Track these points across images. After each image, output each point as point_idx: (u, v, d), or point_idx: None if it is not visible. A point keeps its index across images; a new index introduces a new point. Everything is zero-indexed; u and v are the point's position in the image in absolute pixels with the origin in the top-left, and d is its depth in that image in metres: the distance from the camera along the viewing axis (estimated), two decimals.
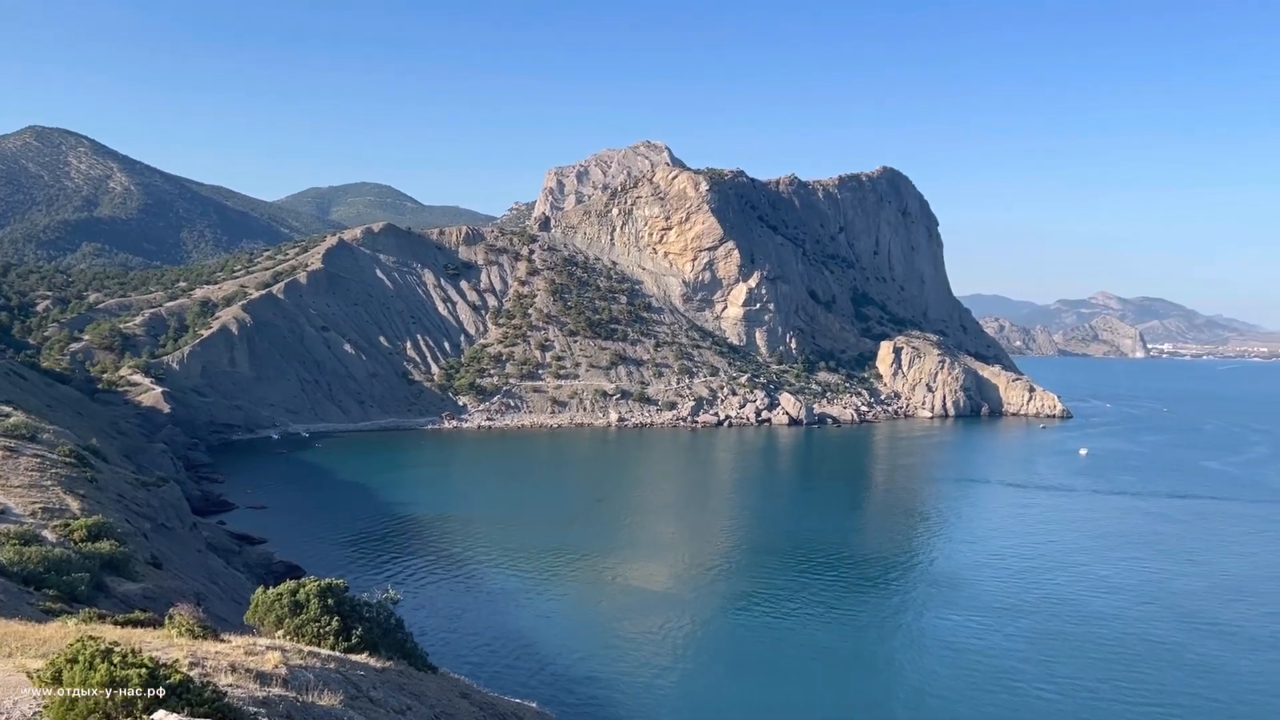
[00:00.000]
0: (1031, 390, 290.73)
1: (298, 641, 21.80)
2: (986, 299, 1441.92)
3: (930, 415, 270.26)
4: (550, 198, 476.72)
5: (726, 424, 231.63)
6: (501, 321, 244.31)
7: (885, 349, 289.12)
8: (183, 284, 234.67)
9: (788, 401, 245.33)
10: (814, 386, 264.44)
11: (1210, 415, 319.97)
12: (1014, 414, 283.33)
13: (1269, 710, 66.34)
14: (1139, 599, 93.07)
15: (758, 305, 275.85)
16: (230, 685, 14.29)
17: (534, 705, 28.19)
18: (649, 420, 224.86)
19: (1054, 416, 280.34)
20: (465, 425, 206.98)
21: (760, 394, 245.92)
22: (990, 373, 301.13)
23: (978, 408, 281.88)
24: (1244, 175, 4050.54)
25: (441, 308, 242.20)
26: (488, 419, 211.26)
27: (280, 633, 22.86)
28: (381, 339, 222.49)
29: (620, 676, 67.91)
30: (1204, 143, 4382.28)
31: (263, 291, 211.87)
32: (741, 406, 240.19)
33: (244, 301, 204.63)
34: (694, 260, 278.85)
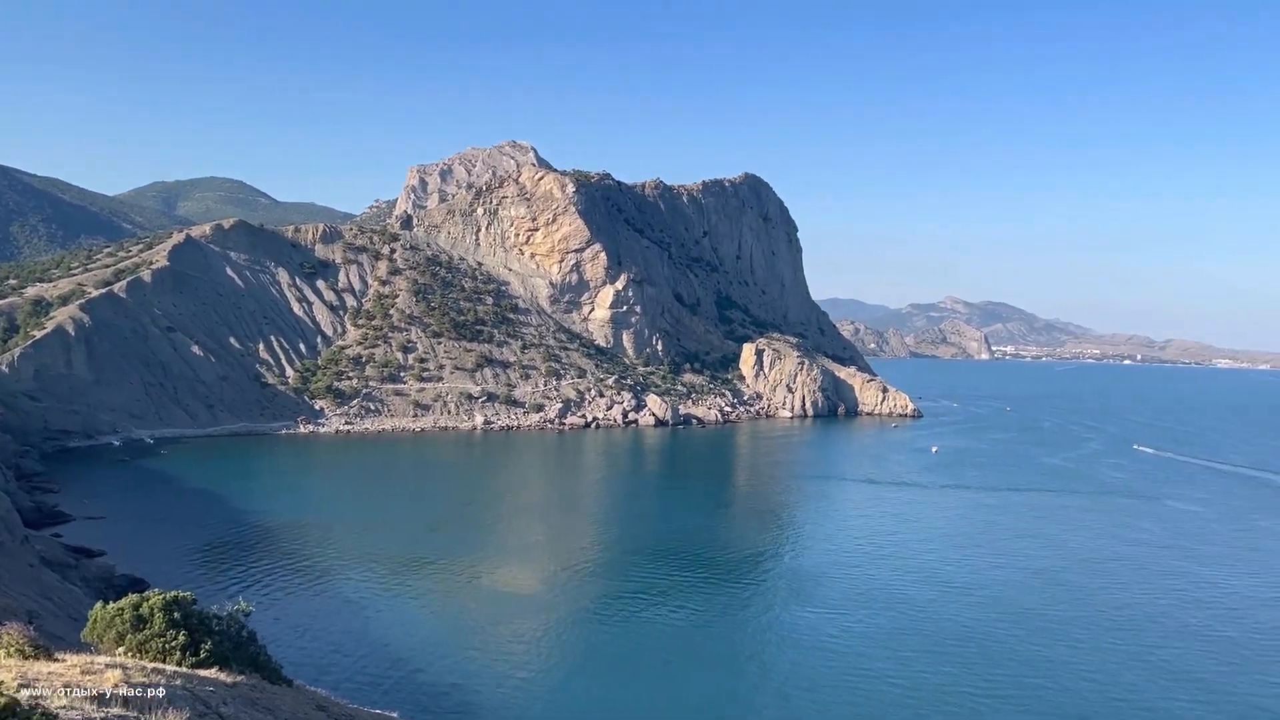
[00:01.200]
0: (885, 391, 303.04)
1: (141, 658, 20.73)
2: (843, 303, 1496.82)
3: (790, 415, 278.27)
4: (413, 196, 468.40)
5: (594, 426, 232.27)
6: (361, 322, 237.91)
7: (748, 351, 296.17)
8: (13, 281, 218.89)
9: (654, 403, 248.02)
10: (680, 388, 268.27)
11: (1048, 414, 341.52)
12: (869, 413, 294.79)
13: (1080, 694, 71.04)
14: (981, 590, 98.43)
15: (625, 307, 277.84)
16: (64, 708, 13.46)
17: (395, 716, 27.61)
18: (516, 423, 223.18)
19: (906, 416, 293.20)
20: (322, 430, 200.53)
21: (627, 395, 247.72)
22: (846, 374, 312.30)
23: (835, 408, 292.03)
24: (1081, 184, 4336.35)
25: (297, 308, 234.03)
26: (346, 423, 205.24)
27: (122, 650, 21.70)
28: (232, 340, 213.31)
29: (485, 682, 67.17)
30: (1043, 152, 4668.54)
31: (103, 290, 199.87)
32: (609, 408, 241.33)
33: (82, 301, 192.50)
34: (561, 262, 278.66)
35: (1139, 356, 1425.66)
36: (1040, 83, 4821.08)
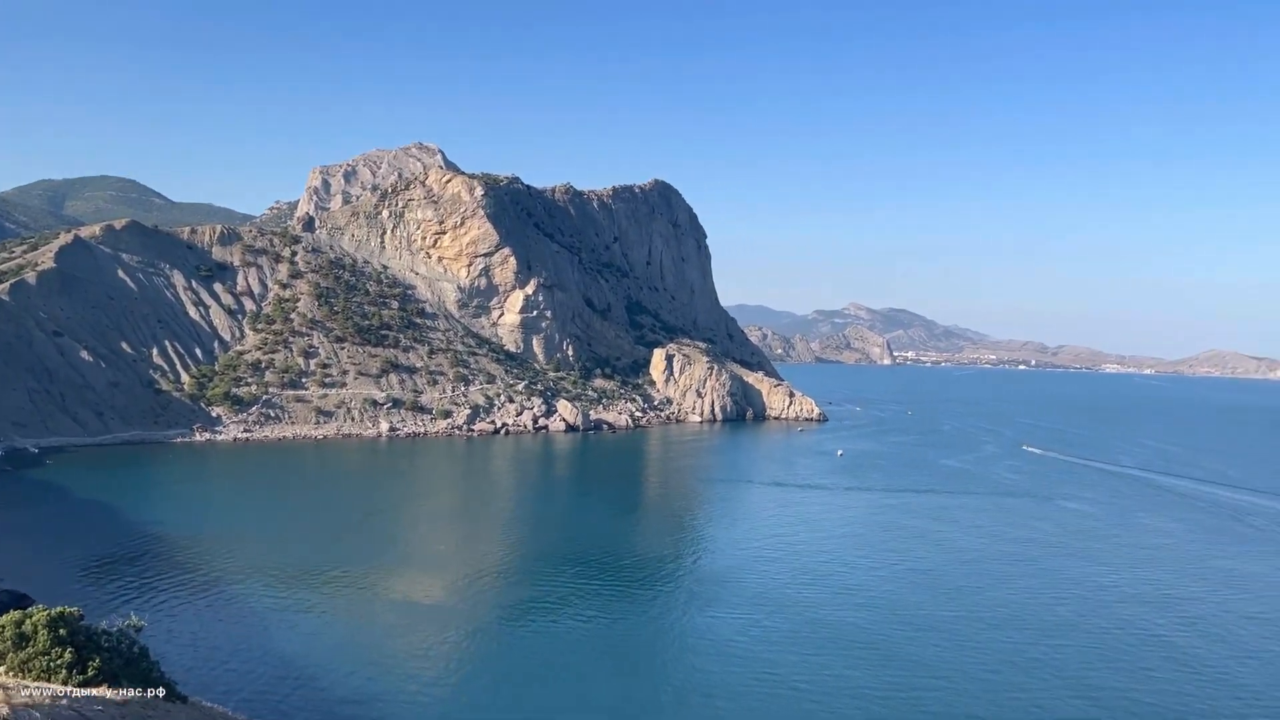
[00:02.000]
0: (791, 395, 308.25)
1: (23, 677, 19.65)
2: (750, 309, 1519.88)
3: (700, 420, 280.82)
4: (315, 197, 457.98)
5: (503, 432, 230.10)
6: (261, 327, 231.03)
7: (658, 356, 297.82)
8: None
9: (565, 408, 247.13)
10: (590, 393, 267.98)
11: (947, 418, 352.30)
12: (776, 418, 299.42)
13: (968, 693, 73.44)
14: (878, 590, 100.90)
15: (535, 312, 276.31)
16: None
17: None
18: (423, 430, 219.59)
19: (811, 420, 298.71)
20: (220, 438, 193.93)
21: (538, 401, 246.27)
22: (754, 379, 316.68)
23: (743, 412, 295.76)
24: (978, 195, 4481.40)
25: (193, 312, 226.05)
26: (245, 431, 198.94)
27: (2, 669, 20.56)
28: (124, 345, 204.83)
29: (391, 693, 65.86)
30: (941, 166, 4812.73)
31: None
32: (519, 414, 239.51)
33: None
34: (469, 266, 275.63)
35: (1033, 362, 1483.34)
36: (939, 97, 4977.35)
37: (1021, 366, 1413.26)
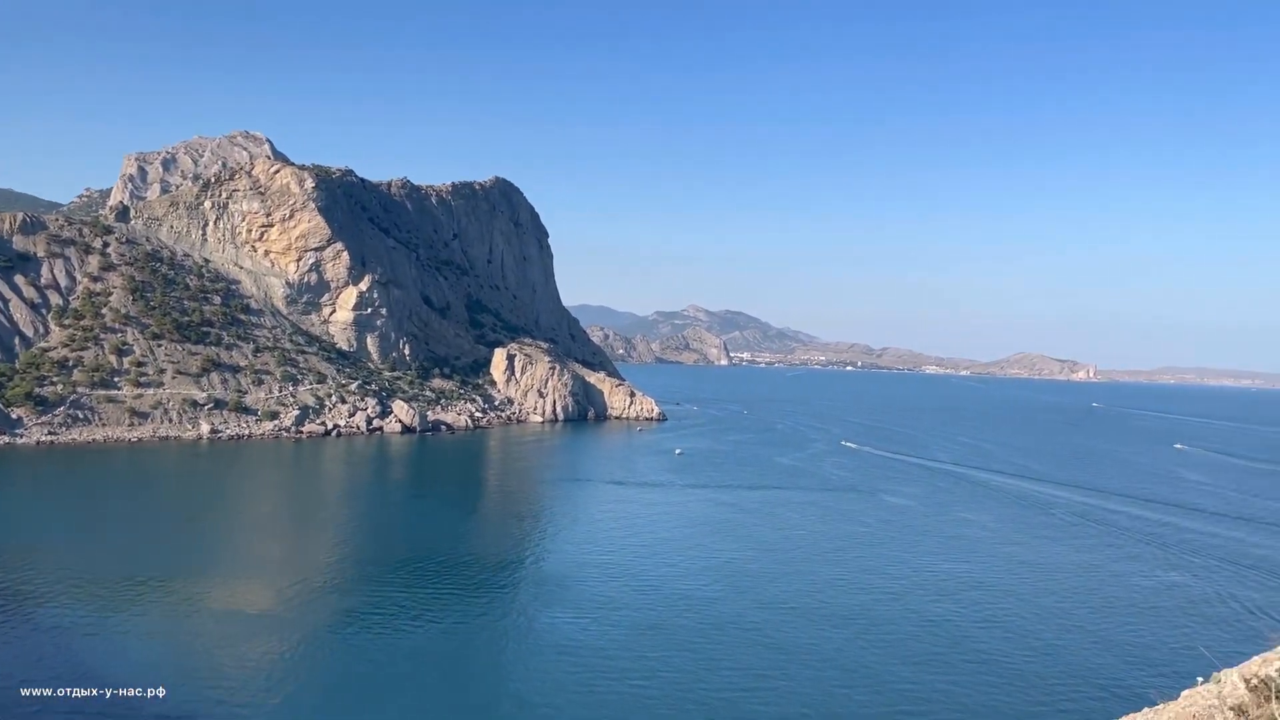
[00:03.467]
0: (632, 395, 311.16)
1: None
2: (593, 309, 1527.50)
3: (542, 420, 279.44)
4: (130, 185, 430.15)
5: (335, 433, 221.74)
6: (68, 322, 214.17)
7: (499, 356, 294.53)
8: None
9: (400, 409, 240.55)
10: (428, 393, 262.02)
11: (780, 417, 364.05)
12: (617, 417, 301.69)
13: (825, 677, 75.90)
14: (721, 582, 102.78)
15: (369, 310, 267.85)
16: None
17: None
18: (247, 432, 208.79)
19: (651, 419, 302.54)
20: (21, 441, 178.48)
21: (372, 401, 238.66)
22: (596, 379, 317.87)
23: (585, 412, 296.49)
24: (807, 203, 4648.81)
25: None
26: (50, 433, 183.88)
27: None
28: None
29: (211, 711, 61.94)
30: (777, 176, 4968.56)
31: None
32: (351, 415, 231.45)
33: None
34: (299, 260, 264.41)
35: (859, 363, 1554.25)
36: (779, 108, 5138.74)
37: (849, 368, 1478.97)
